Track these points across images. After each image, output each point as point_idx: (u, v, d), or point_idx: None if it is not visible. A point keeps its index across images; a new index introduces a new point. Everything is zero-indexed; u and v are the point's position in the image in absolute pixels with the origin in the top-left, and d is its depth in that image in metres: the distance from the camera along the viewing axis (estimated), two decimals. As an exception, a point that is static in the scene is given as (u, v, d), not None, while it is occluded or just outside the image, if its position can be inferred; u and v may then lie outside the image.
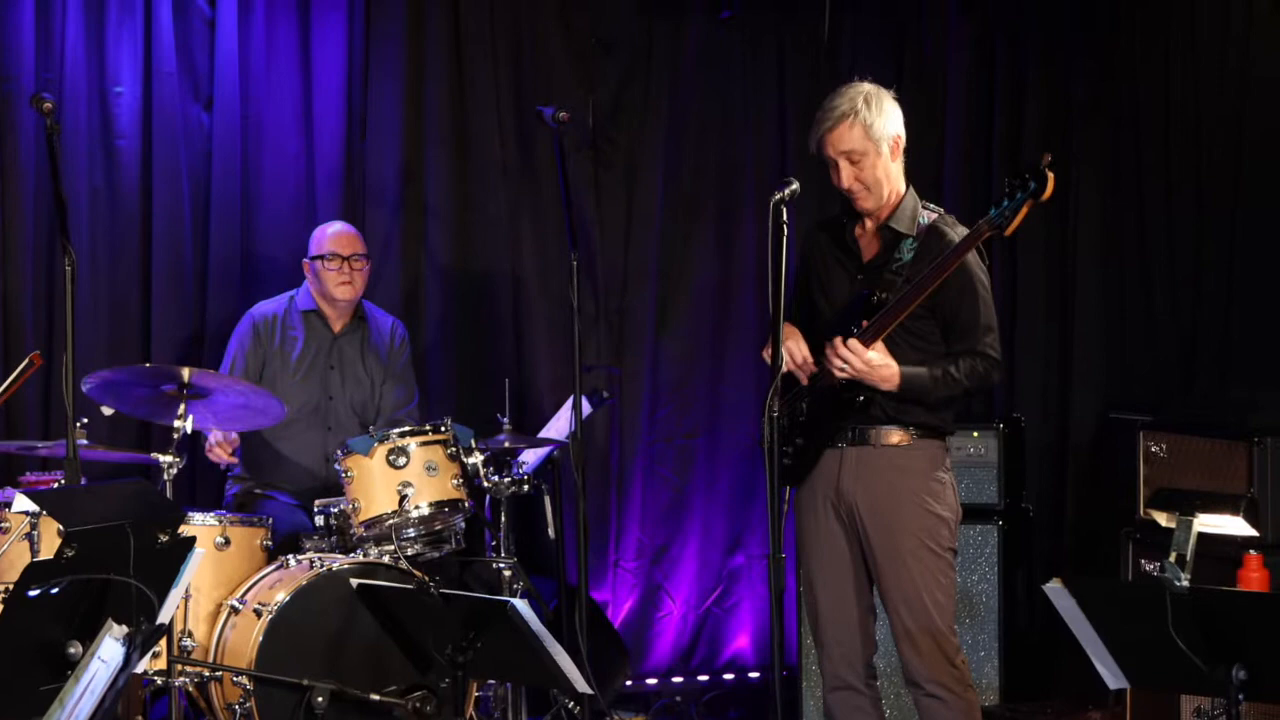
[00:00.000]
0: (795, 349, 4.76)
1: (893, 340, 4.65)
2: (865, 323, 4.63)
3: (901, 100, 4.84)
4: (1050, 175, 4.43)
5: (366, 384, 6.20)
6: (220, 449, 5.82)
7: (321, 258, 6.12)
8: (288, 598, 5.24)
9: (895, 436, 4.73)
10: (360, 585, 4.65)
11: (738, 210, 6.98)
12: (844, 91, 4.75)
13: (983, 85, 7.12)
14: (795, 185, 4.60)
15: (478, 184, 6.74)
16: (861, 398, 4.68)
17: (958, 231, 4.76)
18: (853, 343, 4.59)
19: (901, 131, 4.77)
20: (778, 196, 4.56)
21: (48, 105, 5.02)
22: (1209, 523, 5.27)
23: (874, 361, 4.60)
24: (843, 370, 4.61)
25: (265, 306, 6.22)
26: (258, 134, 6.48)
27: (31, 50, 6.17)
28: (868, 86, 4.75)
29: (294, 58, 6.52)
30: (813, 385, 4.76)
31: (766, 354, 4.65)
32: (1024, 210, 4.47)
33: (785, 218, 4.57)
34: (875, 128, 4.70)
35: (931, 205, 4.83)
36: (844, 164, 4.72)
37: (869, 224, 4.82)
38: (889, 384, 4.63)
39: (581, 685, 4.40)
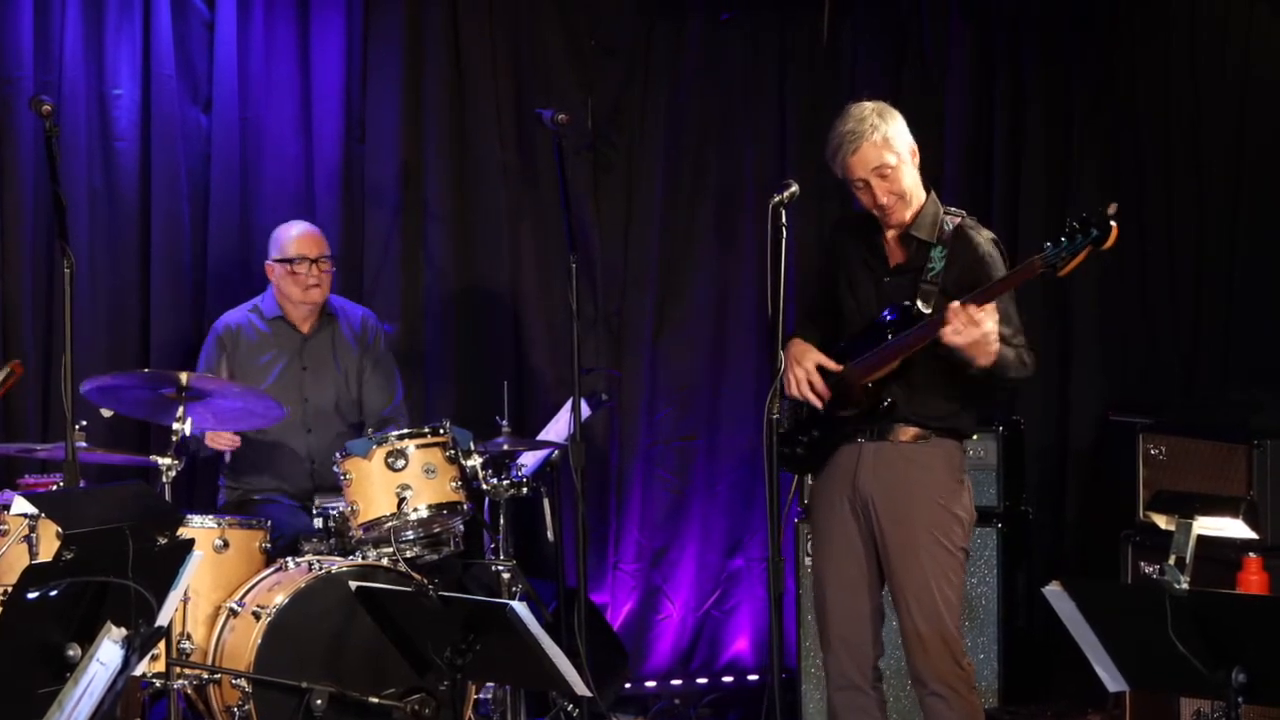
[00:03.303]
0: (806, 374, 4.76)
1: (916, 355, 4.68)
2: (896, 332, 4.66)
3: (902, 101, 4.87)
4: (1114, 226, 4.41)
5: (342, 381, 6.16)
6: (221, 435, 5.80)
7: (288, 261, 6.07)
8: (286, 600, 5.24)
9: (915, 433, 4.75)
10: (359, 588, 4.64)
11: (737, 212, 6.97)
12: (851, 113, 4.75)
13: (983, 85, 7.11)
14: (795, 187, 4.64)
15: (477, 186, 6.73)
16: (888, 401, 4.69)
17: (983, 235, 4.80)
18: (980, 311, 4.50)
19: (913, 141, 4.79)
20: (777, 199, 4.59)
21: (46, 107, 5.03)
22: (1209, 525, 5.26)
23: (990, 332, 4.53)
24: (957, 334, 4.52)
25: (230, 317, 6.17)
26: (257, 136, 6.47)
27: (30, 52, 6.16)
28: (871, 104, 4.77)
29: (293, 60, 6.51)
30: (837, 380, 4.77)
31: (794, 391, 4.73)
32: (1082, 256, 4.46)
33: (784, 220, 4.61)
34: (896, 140, 4.72)
35: (954, 209, 4.84)
36: (875, 180, 4.72)
37: (890, 232, 4.83)
38: (989, 358, 4.58)
39: (580, 688, 4.40)
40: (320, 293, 6.09)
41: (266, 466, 6.06)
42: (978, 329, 4.53)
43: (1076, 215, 4.52)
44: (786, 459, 4.93)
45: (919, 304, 4.68)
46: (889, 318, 4.73)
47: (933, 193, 4.85)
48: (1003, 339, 4.65)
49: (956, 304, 4.55)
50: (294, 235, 6.09)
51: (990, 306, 4.56)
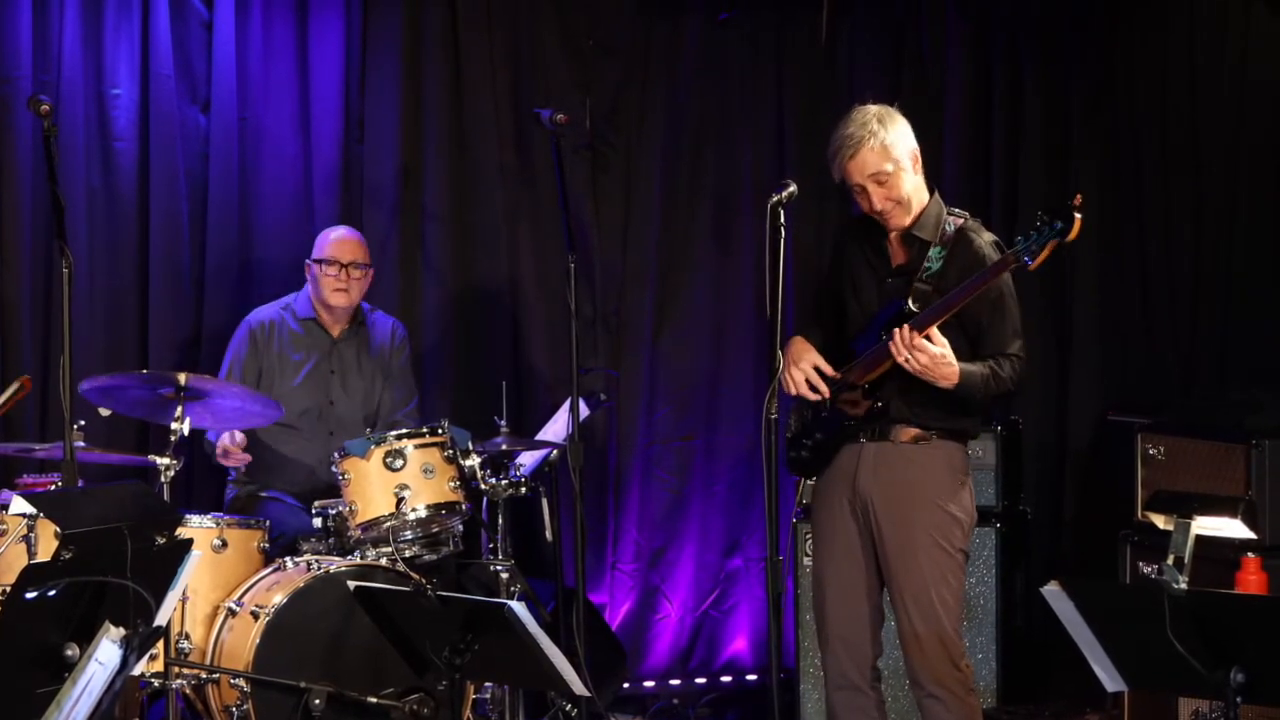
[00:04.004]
0: (804, 372, 4.77)
1: None
2: (889, 331, 4.65)
3: (901, 101, 4.86)
4: (1078, 218, 4.43)
5: (368, 387, 6.18)
6: (233, 451, 5.80)
7: (321, 262, 6.10)
8: (285, 600, 5.24)
9: (915, 434, 4.75)
10: (357, 587, 4.64)
11: (736, 212, 6.97)
12: (853, 117, 4.76)
13: (981, 85, 7.11)
14: (793, 187, 4.64)
15: (475, 186, 6.73)
16: (880, 403, 4.70)
17: (984, 238, 4.80)
18: (919, 340, 4.57)
19: (916, 146, 4.79)
20: (775, 199, 4.60)
21: (45, 107, 5.03)
22: (1207, 525, 5.27)
23: (940, 357, 4.58)
24: (908, 362, 4.59)
25: (263, 312, 6.20)
26: (255, 136, 6.47)
27: (29, 52, 6.16)
28: (874, 108, 4.77)
29: (291, 60, 6.51)
30: (836, 385, 4.77)
31: (792, 390, 4.74)
32: (1049, 248, 4.48)
33: (783, 220, 4.61)
34: (896, 146, 4.72)
35: (957, 210, 4.84)
36: (872, 187, 4.73)
37: (894, 232, 4.84)
38: (948, 381, 4.62)
39: (579, 688, 4.40)
40: (345, 298, 6.10)
41: (286, 466, 6.06)
42: (924, 355, 4.56)
43: (1045, 208, 4.54)
44: (793, 462, 4.97)
45: (910, 304, 4.69)
46: (884, 317, 4.74)
47: (936, 194, 4.85)
48: (979, 355, 4.69)
49: (902, 330, 4.58)
50: (332, 238, 6.13)
51: (935, 333, 4.58)
